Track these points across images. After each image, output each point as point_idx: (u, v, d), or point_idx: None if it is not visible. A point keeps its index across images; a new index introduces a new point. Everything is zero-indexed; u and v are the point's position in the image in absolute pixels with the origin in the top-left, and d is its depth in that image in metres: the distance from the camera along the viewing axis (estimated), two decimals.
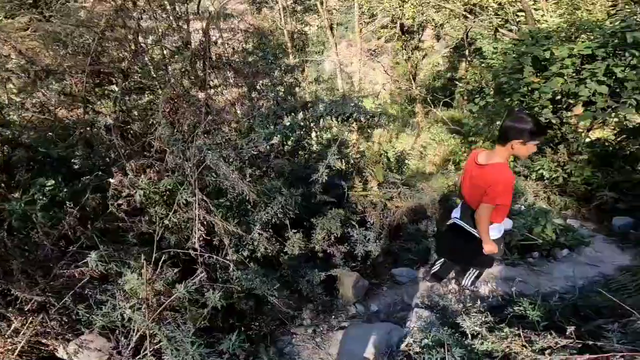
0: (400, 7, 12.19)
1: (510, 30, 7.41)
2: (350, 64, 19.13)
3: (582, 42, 5.12)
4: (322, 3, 13.12)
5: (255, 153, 2.64)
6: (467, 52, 14.09)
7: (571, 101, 5.60)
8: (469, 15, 9.17)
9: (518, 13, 7.90)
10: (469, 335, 1.90)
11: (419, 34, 16.78)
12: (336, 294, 3.06)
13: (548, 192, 5.71)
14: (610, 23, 5.50)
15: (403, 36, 15.50)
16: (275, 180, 2.89)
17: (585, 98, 5.12)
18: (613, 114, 5.06)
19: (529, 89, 5.71)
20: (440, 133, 10.88)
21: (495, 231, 2.40)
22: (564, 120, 5.77)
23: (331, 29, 13.96)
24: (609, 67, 4.74)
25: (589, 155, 5.55)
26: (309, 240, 2.99)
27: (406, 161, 6.75)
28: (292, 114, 3.40)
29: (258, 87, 3.61)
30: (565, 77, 5.21)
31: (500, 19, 7.77)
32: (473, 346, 1.79)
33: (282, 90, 3.75)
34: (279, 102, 3.57)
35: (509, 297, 3.02)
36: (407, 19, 13.00)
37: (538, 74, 5.65)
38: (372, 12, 15.48)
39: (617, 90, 5.00)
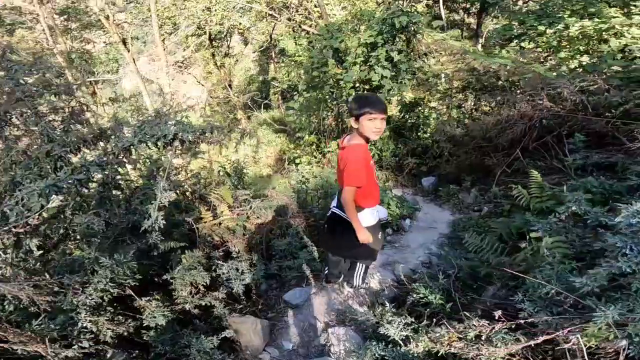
0: (206, 13, 11.63)
1: (311, 26, 7.99)
2: (156, 79, 17.37)
3: (365, 31, 5.87)
4: (107, 17, 11.24)
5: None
6: (273, 54, 14.74)
7: (366, 87, 6.41)
8: (275, 15, 9.45)
9: (314, 9, 8.59)
10: (400, 342, 1.72)
11: (227, 41, 16.60)
12: (239, 348, 2.42)
13: None
14: (380, 12, 6.50)
15: (212, 44, 15.01)
16: (85, 247, 2.04)
17: (377, 82, 5.91)
18: (396, 93, 6.04)
19: (335, 80, 6.23)
20: (267, 134, 11.01)
21: (368, 216, 2.36)
22: None
23: (125, 43, 12.16)
24: (388, 52, 5.58)
25: (389, 130, 6.50)
26: (172, 301, 2.25)
27: (244, 170, 6.44)
28: (84, 149, 2.43)
29: (15, 119, 2.45)
30: (359, 66, 5.89)
31: (301, 16, 8.29)
32: (410, 352, 1.61)
33: (60, 119, 2.66)
34: (54, 137, 2.48)
35: (399, 283, 3.10)
36: (215, 24, 12.57)
37: (340, 65, 6.22)
38: (174, 22, 14.33)
39: (395, 73, 5.97)
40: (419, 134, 6.42)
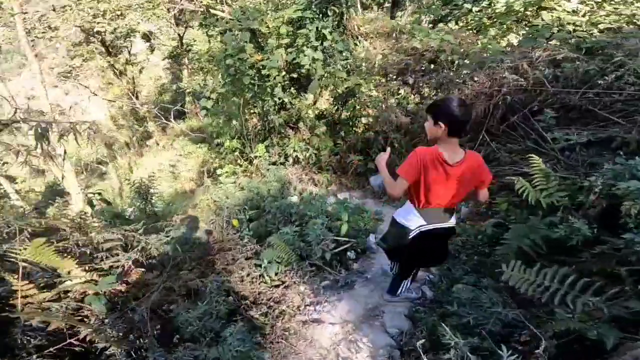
0: (93, 16, 9.50)
1: (224, 11, 6.73)
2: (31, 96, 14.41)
3: (290, 7, 4.85)
4: None
5: None
6: (186, 60, 13.15)
7: (294, 75, 5.40)
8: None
9: None
10: None
11: (127, 48, 14.46)
12: None
13: (310, 173, 5.39)
14: None
15: (108, 51, 12.84)
16: None
17: (307, 68, 4.93)
18: (330, 80, 5.12)
19: (256, 69, 5.11)
20: (185, 146, 9.44)
21: None
22: (295, 97, 5.57)
23: None
24: (319, 30, 4.62)
25: (324, 125, 5.55)
26: None
27: (151, 190, 4.96)
28: None
29: None
30: (285, 49, 4.85)
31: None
32: None
33: None
34: None
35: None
36: (105, 31, 10.49)
37: (260, 51, 5.11)
38: (50, 25, 11.84)
39: (328, 56, 5.06)
40: (356, 127, 5.56)
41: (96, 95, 13.81)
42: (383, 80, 5.85)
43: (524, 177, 2.45)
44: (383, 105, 5.56)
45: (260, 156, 5.46)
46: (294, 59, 4.77)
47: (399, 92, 5.87)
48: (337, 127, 5.64)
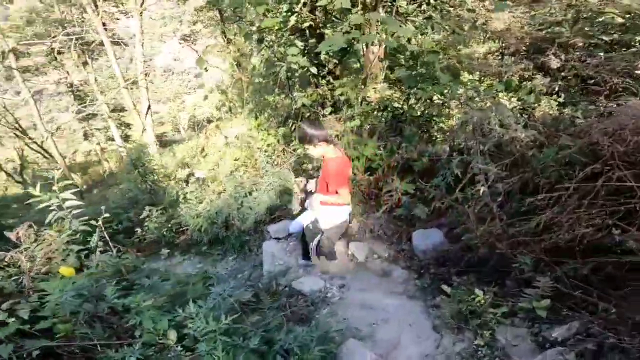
0: None
1: None
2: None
3: None
4: None
5: None
6: None
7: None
8: None
9: None
10: None
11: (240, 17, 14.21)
12: None
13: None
14: None
15: (222, 18, 12.65)
16: None
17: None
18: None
19: None
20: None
21: None
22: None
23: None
24: None
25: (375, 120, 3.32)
26: None
27: None
28: None
29: None
30: None
31: None
32: None
33: None
34: None
35: None
36: None
37: None
38: None
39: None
40: (427, 131, 3.18)
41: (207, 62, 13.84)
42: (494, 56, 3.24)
43: None
44: (482, 101, 2.99)
45: (267, 147, 3.64)
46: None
47: (527, 80, 3.21)
48: (387, 126, 3.36)
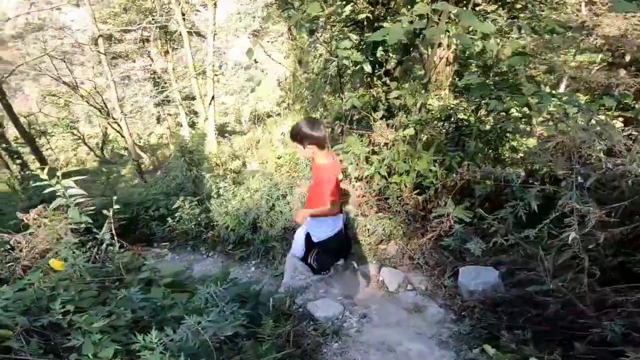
0: None
1: None
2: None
3: None
4: None
5: None
6: None
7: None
8: None
9: None
10: None
11: None
12: None
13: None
14: None
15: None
16: None
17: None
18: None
19: None
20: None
21: None
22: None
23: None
24: None
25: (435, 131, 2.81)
26: None
27: None
28: None
29: None
30: None
31: None
32: None
33: None
34: None
35: None
36: None
37: None
38: None
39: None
40: (497, 148, 2.62)
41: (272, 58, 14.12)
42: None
43: None
44: (577, 118, 2.35)
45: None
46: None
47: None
48: (447, 139, 2.84)
